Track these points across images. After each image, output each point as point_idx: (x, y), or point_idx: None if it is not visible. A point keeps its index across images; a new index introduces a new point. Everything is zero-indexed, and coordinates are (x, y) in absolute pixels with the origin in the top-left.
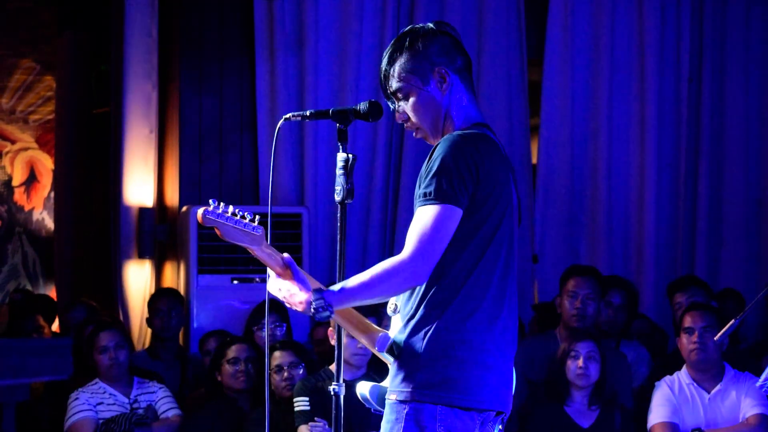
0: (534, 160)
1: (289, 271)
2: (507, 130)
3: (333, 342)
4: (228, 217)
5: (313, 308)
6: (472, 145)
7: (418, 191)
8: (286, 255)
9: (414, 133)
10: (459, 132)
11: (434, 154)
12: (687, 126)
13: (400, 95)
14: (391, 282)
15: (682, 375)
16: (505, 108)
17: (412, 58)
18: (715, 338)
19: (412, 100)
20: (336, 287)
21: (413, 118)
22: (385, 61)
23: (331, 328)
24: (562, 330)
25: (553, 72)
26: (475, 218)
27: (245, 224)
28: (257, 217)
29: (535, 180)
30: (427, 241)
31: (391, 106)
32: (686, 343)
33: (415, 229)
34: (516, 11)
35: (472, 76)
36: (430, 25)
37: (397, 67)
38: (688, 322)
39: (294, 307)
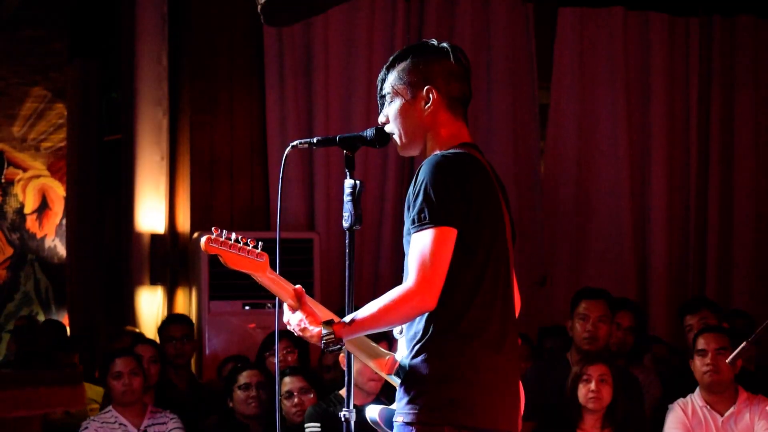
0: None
1: (299, 302)
2: (516, 152)
3: (344, 367)
4: (231, 244)
5: (324, 342)
6: (456, 164)
7: (410, 215)
8: (298, 286)
9: (392, 137)
10: (441, 153)
11: (419, 176)
12: (697, 147)
13: (387, 99)
14: (400, 311)
15: (696, 397)
16: (515, 131)
17: (411, 69)
18: (727, 360)
19: (394, 106)
20: (346, 319)
21: (392, 124)
22: (388, 63)
23: (342, 354)
24: (573, 353)
25: (560, 95)
26: (471, 237)
27: (248, 251)
28: (261, 243)
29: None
30: (429, 267)
31: (380, 107)
32: (699, 365)
33: (414, 256)
34: (525, 35)
35: (466, 109)
36: (446, 46)
37: (393, 73)
38: (701, 344)
39: (305, 339)
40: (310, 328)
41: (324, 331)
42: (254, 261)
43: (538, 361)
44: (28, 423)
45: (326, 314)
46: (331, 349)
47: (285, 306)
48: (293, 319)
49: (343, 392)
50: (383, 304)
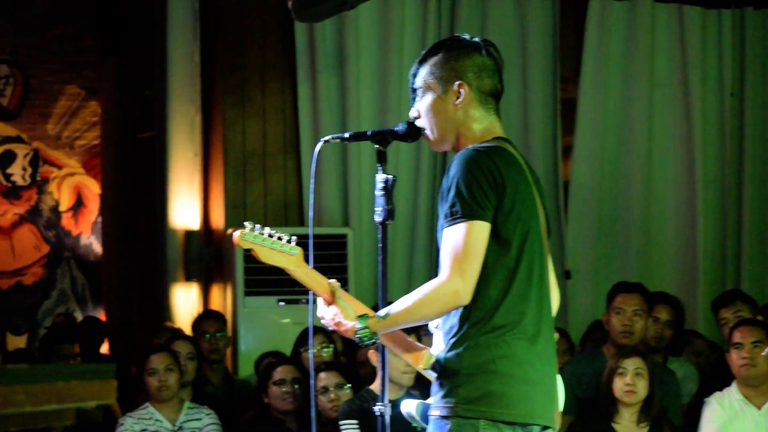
0: (568, 177)
1: (333, 297)
2: (542, 146)
3: (374, 363)
4: (264, 239)
5: (358, 336)
6: (488, 158)
7: (442, 210)
8: (332, 281)
9: (422, 133)
10: (473, 146)
11: (451, 171)
12: (731, 140)
13: (418, 93)
14: (434, 306)
15: (732, 391)
16: (539, 125)
17: (442, 64)
18: (762, 353)
19: (426, 101)
20: (381, 313)
21: (423, 119)
22: (419, 57)
23: (371, 350)
24: (609, 347)
25: (588, 89)
26: (504, 230)
27: (282, 246)
28: (294, 238)
29: (567, 197)
30: (463, 261)
31: (411, 102)
32: (736, 358)
33: (447, 250)
34: (552, 29)
35: (498, 103)
36: (477, 40)
37: (425, 67)
38: (737, 337)
39: (340, 333)
40: (345, 322)
41: (358, 326)
42: (288, 255)
43: (575, 355)
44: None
45: (361, 308)
46: (366, 343)
47: (320, 300)
48: (328, 314)
49: (373, 387)
50: (417, 298)
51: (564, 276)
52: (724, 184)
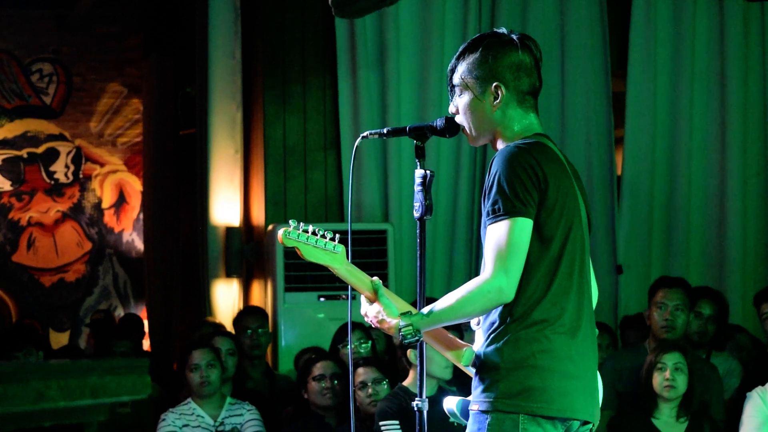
0: (619, 171)
1: (376, 294)
2: (589, 141)
3: (413, 360)
4: (308, 237)
5: (402, 334)
6: (529, 154)
7: (485, 208)
8: (375, 278)
9: (461, 129)
10: (514, 143)
11: (493, 168)
12: None
13: (456, 91)
14: (478, 303)
15: None
16: (588, 119)
17: (480, 63)
18: None
19: (464, 100)
20: (424, 311)
21: (461, 116)
22: (458, 53)
23: (409, 349)
24: (651, 342)
25: (636, 83)
26: (546, 226)
27: (326, 243)
28: (337, 235)
29: (619, 191)
30: (507, 258)
31: (450, 96)
32: None
33: (491, 248)
34: (599, 23)
35: (536, 100)
36: (514, 37)
37: (463, 65)
38: None
39: (384, 331)
40: (388, 319)
41: (402, 323)
42: (331, 253)
43: (617, 350)
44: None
45: (403, 306)
46: (409, 340)
47: (362, 298)
48: (371, 311)
49: (407, 383)
50: (461, 295)
51: (616, 270)
52: (766, 177)
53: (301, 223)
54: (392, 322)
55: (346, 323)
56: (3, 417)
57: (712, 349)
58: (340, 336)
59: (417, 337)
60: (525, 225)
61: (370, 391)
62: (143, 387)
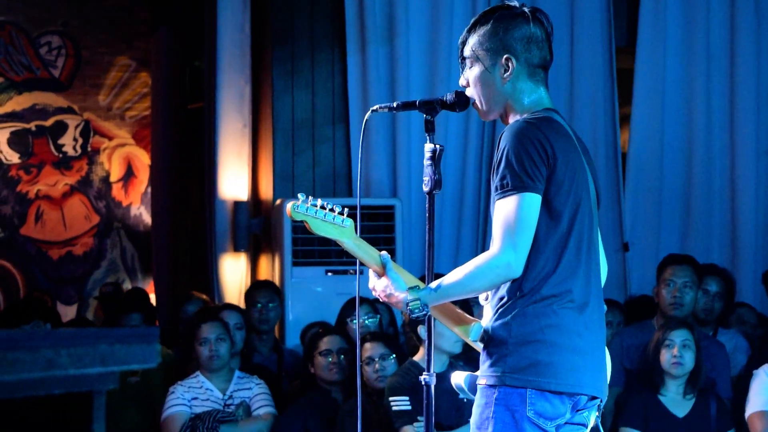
0: (625, 149)
1: (385, 269)
2: (595, 117)
3: (421, 334)
4: (317, 210)
5: (410, 308)
6: (538, 129)
7: (494, 183)
8: (383, 252)
9: (471, 103)
10: (522, 118)
11: (501, 144)
12: None
13: (467, 63)
14: (486, 278)
15: None
16: (594, 96)
17: (491, 35)
18: None
19: (474, 72)
20: (432, 285)
21: (471, 89)
22: (469, 25)
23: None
24: (659, 319)
25: (645, 59)
26: (555, 202)
27: (334, 217)
28: (346, 209)
29: (625, 168)
30: (515, 233)
31: (461, 69)
32: None
33: (499, 223)
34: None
35: (547, 73)
36: (526, 9)
37: (474, 37)
38: None
39: (392, 306)
40: (396, 293)
41: (409, 297)
42: (339, 227)
43: (625, 326)
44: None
45: (411, 280)
46: (417, 315)
47: (370, 272)
48: (379, 285)
49: (417, 358)
50: (469, 270)
51: (623, 248)
52: None
53: (310, 197)
54: (400, 296)
55: (353, 298)
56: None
57: (718, 326)
58: (348, 310)
59: (425, 312)
60: (533, 200)
61: (377, 366)
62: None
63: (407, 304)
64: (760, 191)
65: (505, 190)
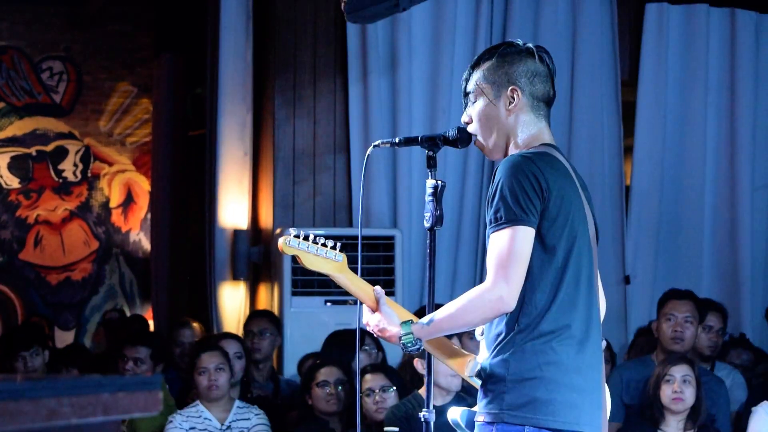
0: (628, 182)
1: (378, 303)
2: (598, 150)
3: (420, 370)
4: (309, 245)
5: (402, 342)
6: (532, 163)
7: (488, 216)
8: (377, 287)
9: (474, 141)
10: (519, 153)
11: (496, 176)
12: None
13: (470, 98)
14: (478, 312)
15: None
16: (596, 128)
17: (495, 69)
18: None
19: (478, 107)
20: (425, 320)
21: (475, 124)
22: (472, 62)
23: (416, 358)
24: (659, 354)
25: (647, 93)
26: (550, 236)
27: (327, 252)
28: (338, 244)
29: (628, 201)
30: (508, 267)
31: (464, 106)
32: None
33: (492, 256)
34: (610, 32)
35: (549, 110)
36: (530, 46)
37: (478, 72)
38: None
39: (385, 340)
40: (389, 328)
41: (402, 332)
42: (332, 261)
43: (624, 361)
44: (107, 427)
45: (405, 315)
46: (410, 349)
47: (364, 307)
48: (372, 320)
49: (422, 391)
50: (462, 304)
51: (624, 281)
52: None
53: (302, 231)
54: (393, 330)
55: (337, 331)
56: None
57: (715, 360)
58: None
59: (417, 346)
60: (526, 233)
61: (377, 398)
62: (155, 403)
63: (400, 338)
64: (755, 226)
65: (498, 224)
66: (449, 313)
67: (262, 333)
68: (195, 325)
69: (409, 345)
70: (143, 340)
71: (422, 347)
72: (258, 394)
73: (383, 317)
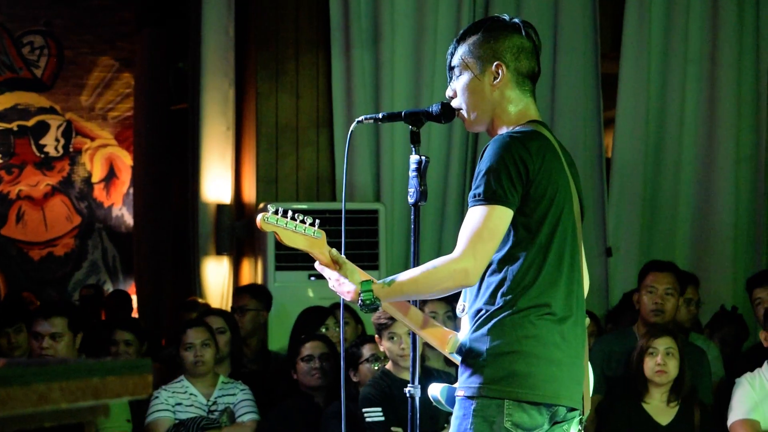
0: (609, 154)
1: (338, 263)
2: (580, 123)
3: (381, 347)
4: (287, 222)
5: (360, 300)
6: (521, 145)
7: (471, 192)
8: (333, 250)
9: (456, 114)
10: (509, 132)
11: (485, 154)
12: (767, 116)
13: (455, 72)
14: (441, 281)
15: (764, 371)
16: (577, 100)
17: (481, 44)
18: None
19: (462, 80)
20: (387, 280)
21: (459, 98)
22: (458, 36)
23: (376, 336)
24: (640, 326)
25: (629, 65)
26: (535, 216)
27: (305, 229)
28: (317, 221)
29: (609, 173)
30: (478, 242)
31: (448, 80)
32: None
33: (466, 230)
34: (591, 5)
35: (534, 85)
36: (517, 21)
37: (464, 46)
38: None
39: (343, 297)
40: (348, 283)
41: (362, 288)
42: (310, 238)
43: (606, 334)
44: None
45: (365, 277)
46: (368, 307)
47: (327, 270)
48: (333, 275)
49: (388, 367)
50: (426, 269)
51: (605, 253)
52: (758, 161)
53: (280, 208)
54: (351, 286)
55: (311, 307)
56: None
57: (689, 332)
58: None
59: (376, 304)
60: (503, 213)
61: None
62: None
63: (359, 295)
64: (740, 197)
65: (478, 200)
66: (412, 276)
67: (242, 309)
68: (201, 302)
69: (368, 301)
70: (128, 324)
71: (380, 307)
72: (248, 370)
73: (344, 270)
